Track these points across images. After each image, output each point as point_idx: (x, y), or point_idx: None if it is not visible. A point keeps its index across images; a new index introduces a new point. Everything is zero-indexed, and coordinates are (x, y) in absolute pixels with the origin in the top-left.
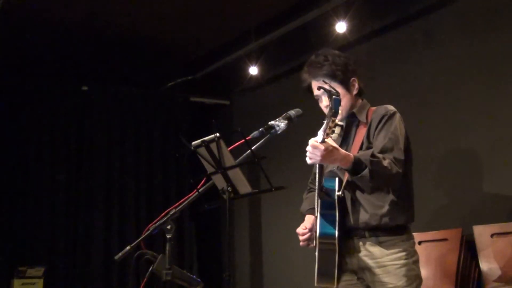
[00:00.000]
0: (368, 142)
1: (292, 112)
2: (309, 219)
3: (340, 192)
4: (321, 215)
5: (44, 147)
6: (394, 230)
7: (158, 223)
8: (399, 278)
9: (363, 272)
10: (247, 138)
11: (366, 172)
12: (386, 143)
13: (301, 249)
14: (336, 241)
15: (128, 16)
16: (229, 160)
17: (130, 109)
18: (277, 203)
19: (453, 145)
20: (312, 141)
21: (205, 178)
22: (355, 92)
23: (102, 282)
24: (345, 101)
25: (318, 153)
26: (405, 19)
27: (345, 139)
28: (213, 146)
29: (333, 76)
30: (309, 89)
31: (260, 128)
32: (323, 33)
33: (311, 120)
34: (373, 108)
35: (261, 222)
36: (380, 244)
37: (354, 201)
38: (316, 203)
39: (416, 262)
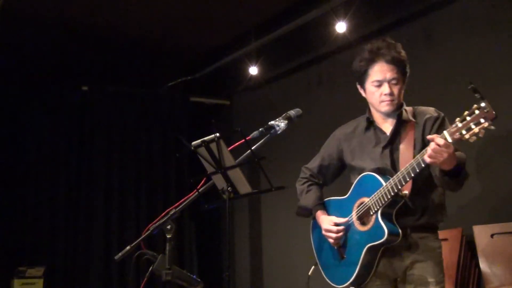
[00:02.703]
0: (422, 143)
1: (292, 112)
2: (324, 214)
3: (407, 192)
4: (383, 214)
5: (44, 147)
6: (432, 229)
7: (158, 223)
8: (436, 274)
9: (398, 267)
10: (247, 138)
11: (464, 175)
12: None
13: (301, 249)
14: (399, 240)
15: (128, 17)
16: (229, 160)
17: (130, 109)
18: (277, 203)
19: None
20: (442, 140)
21: (205, 178)
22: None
23: (102, 282)
24: (401, 95)
25: (446, 154)
26: (405, 19)
27: (391, 139)
28: (213, 146)
29: (403, 66)
30: (364, 71)
31: (260, 128)
32: (323, 33)
33: (311, 120)
34: (410, 108)
35: (261, 222)
36: (420, 240)
37: (412, 199)
38: (379, 201)
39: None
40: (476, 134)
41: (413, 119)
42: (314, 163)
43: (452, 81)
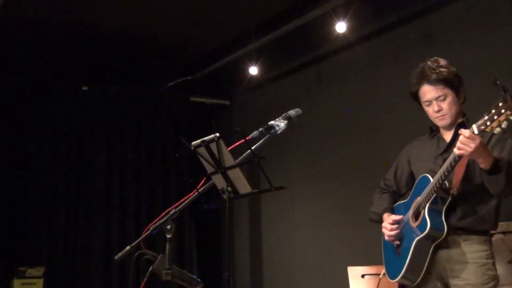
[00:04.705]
0: None
1: (292, 112)
2: (389, 217)
3: (453, 190)
4: (430, 209)
5: (44, 147)
6: (475, 232)
7: (158, 223)
8: (479, 276)
9: (444, 269)
10: (247, 138)
11: (503, 174)
12: (507, 154)
13: (301, 249)
14: (443, 236)
15: (128, 16)
16: (229, 160)
17: (130, 109)
18: (277, 203)
19: None
20: (467, 132)
21: (205, 178)
22: (461, 100)
23: (102, 282)
24: (455, 108)
25: (473, 145)
26: (405, 19)
27: (449, 145)
28: (213, 146)
29: (448, 82)
30: (415, 95)
31: (260, 128)
32: (323, 33)
33: (311, 120)
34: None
35: (261, 222)
36: (464, 241)
37: (459, 201)
38: (426, 197)
39: (494, 263)
40: (499, 125)
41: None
42: (389, 173)
43: None
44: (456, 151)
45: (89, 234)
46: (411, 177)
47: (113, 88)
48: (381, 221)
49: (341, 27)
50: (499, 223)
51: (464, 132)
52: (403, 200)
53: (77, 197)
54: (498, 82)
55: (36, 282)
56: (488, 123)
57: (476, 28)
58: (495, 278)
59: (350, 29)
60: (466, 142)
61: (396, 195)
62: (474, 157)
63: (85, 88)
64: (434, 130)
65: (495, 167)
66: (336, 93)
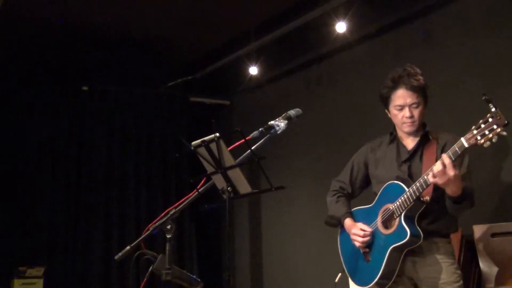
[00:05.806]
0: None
1: (292, 112)
2: (351, 222)
3: (426, 198)
4: (406, 217)
5: (44, 147)
6: (442, 235)
7: (158, 223)
8: (450, 275)
9: (415, 271)
10: (247, 138)
11: (467, 204)
12: (465, 174)
13: (301, 249)
14: (420, 242)
15: (128, 17)
16: (229, 160)
17: (130, 109)
18: (277, 203)
19: None
20: (448, 161)
21: (205, 178)
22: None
23: (102, 282)
24: (422, 117)
25: (452, 173)
26: (405, 19)
27: (412, 154)
28: (213, 146)
29: (423, 92)
30: (386, 98)
31: (260, 128)
32: (323, 33)
33: (310, 120)
34: (433, 130)
35: (261, 222)
36: (432, 244)
37: (430, 207)
38: (402, 205)
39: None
40: (489, 139)
41: (434, 140)
42: (344, 175)
43: (451, 81)
44: (430, 179)
45: (89, 234)
46: (366, 180)
47: (113, 88)
48: (340, 225)
49: (341, 27)
50: (504, 223)
51: (445, 159)
52: (364, 205)
53: (77, 197)
54: (486, 97)
55: (36, 282)
56: (479, 137)
57: (475, 28)
58: (461, 277)
59: (350, 29)
60: (443, 172)
61: (350, 198)
62: (444, 186)
63: (85, 88)
64: (394, 136)
65: (460, 198)
66: (336, 93)
